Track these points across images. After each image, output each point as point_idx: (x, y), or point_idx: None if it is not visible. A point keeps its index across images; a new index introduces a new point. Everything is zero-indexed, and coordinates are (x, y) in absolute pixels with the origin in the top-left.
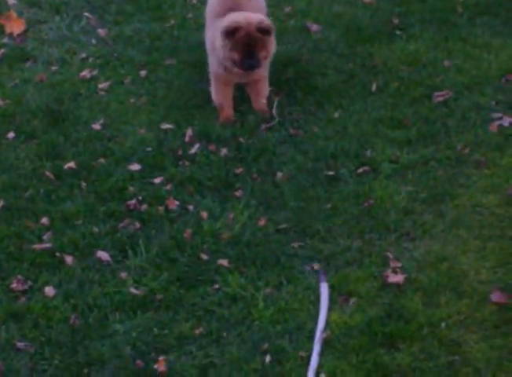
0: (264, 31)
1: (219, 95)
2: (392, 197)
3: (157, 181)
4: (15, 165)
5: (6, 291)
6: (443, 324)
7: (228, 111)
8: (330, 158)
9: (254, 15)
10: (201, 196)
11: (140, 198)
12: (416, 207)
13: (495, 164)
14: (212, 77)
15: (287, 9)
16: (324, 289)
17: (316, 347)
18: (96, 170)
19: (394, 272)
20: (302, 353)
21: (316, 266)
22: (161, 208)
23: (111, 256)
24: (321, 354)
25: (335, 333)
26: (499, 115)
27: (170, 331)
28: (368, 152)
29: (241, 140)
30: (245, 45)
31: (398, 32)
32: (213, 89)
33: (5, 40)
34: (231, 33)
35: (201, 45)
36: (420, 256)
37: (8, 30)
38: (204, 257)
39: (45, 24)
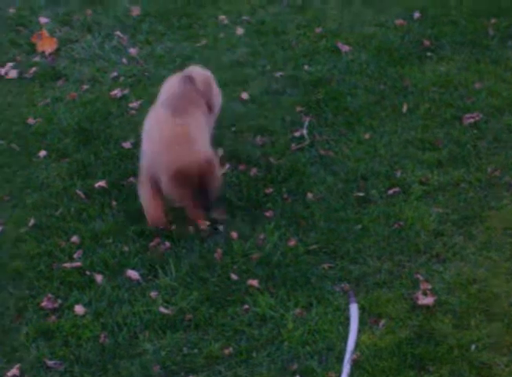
0: (209, 170)
1: (144, 194)
2: (422, 219)
3: None
4: (46, 183)
5: (37, 310)
6: (473, 347)
7: (154, 213)
8: (361, 179)
9: (199, 145)
10: (231, 216)
11: (170, 217)
12: (447, 229)
13: None
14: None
15: (318, 30)
16: (354, 310)
17: (346, 368)
18: (126, 188)
19: (424, 294)
20: (332, 374)
21: (346, 287)
22: (191, 228)
23: (140, 275)
24: (351, 375)
25: (365, 354)
26: None
27: (199, 350)
28: (398, 174)
29: (271, 160)
30: (197, 186)
31: (429, 54)
32: (139, 185)
33: (37, 59)
34: (182, 177)
35: (232, 65)
36: (450, 278)
37: (40, 48)
38: (234, 277)
39: (77, 43)
